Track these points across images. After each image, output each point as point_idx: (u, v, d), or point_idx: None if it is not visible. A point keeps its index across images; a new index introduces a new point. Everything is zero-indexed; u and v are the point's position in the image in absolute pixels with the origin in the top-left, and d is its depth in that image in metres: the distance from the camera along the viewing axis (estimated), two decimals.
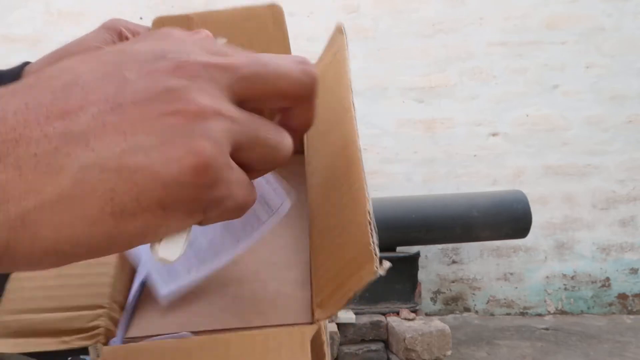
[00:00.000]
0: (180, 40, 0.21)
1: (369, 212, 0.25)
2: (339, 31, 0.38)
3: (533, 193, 2.40)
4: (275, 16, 0.40)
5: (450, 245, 2.55)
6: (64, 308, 0.30)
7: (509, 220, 2.08)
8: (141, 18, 2.61)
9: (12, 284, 0.32)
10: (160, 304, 0.31)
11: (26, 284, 0.31)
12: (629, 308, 2.55)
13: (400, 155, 2.60)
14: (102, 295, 0.31)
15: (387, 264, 0.23)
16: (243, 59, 0.21)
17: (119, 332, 0.30)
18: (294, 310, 0.30)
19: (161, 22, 0.40)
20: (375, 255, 0.24)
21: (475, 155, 2.61)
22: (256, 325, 0.29)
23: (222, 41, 0.27)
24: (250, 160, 0.21)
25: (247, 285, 0.32)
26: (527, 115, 2.62)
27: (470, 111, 2.61)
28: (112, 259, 0.33)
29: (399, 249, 2.09)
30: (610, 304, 2.55)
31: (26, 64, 0.39)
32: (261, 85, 0.21)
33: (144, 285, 0.33)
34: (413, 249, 2.06)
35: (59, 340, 0.29)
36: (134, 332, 0.30)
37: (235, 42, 0.38)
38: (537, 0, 2.62)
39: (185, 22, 0.39)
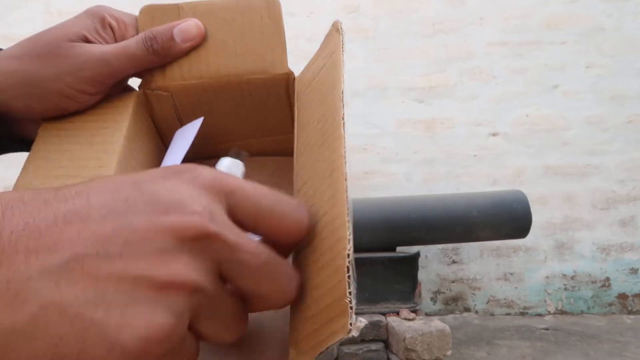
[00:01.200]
0: (201, 194, 0.20)
1: (348, 256, 0.23)
2: (336, 29, 0.36)
3: (533, 193, 2.40)
4: (271, 9, 0.37)
5: (450, 245, 2.55)
6: None
7: (509, 220, 2.08)
8: None
9: None
10: None
11: None
12: (629, 308, 2.55)
13: (400, 155, 2.60)
14: None
15: (361, 324, 0.22)
16: (249, 246, 0.20)
17: None
18: (271, 354, 0.29)
19: (149, 11, 0.37)
20: (351, 309, 0.22)
21: (475, 155, 2.61)
22: None
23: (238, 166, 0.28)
24: (204, 332, 0.21)
25: None
26: (527, 115, 2.62)
27: (470, 111, 2.61)
28: None
29: (399, 249, 2.09)
30: (610, 304, 2.55)
31: None
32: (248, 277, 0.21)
33: None
34: (413, 249, 2.06)
35: None
36: None
37: (227, 35, 0.37)
38: (537, 0, 2.62)
39: (175, 11, 0.37)
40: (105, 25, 0.35)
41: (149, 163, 0.38)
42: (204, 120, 0.38)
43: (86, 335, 0.16)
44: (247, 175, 0.39)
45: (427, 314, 2.14)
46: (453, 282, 2.58)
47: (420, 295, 2.09)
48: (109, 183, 0.19)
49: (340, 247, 0.23)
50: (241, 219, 0.21)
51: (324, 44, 0.37)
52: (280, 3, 0.37)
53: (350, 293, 0.22)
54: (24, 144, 0.38)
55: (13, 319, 0.16)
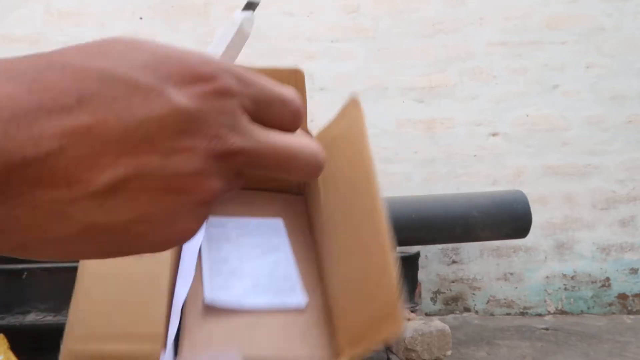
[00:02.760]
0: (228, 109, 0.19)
1: (397, 276, 0.30)
2: (355, 105, 0.44)
3: (533, 193, 2.40)
4: (297, 80, 0.42)
5: (450, 245, 2.55)
6: (126, 335, 0.33)
7: (509, 220, 2.08)
8: (141, 18, 2.61)
9: (73, 310, 0.34)
10: (204, 305, 0.36)
11: (88, 307, 0.34)
12: (629, 308, 2.55)
13: (400, 155, 2.59)
14: (158, 323, 0.34)
15: (408, 321, 0.31)
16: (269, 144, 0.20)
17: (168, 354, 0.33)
18: (319, 346, 0.35)
19: None
20: (402, 317, 0.29)
21: (475, 155, 2.61)
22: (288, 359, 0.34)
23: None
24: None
25: (281, 321, 0.37)
26: (527, 115, 2.62)
27: (470, 111, 2.61)
28: (164, 283, 0.36)
29: (399, 249, 2.09)
30: (610, 304, 2.55)
31: None
32: (271, 169, 0.21)
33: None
34: (413, 249, 2.06)
35: None
36: (185, 351, 0.34)
37: None
38: (537, 0, 2.62)
39: None
40: None
41: None
42: None
43: (133, 245, 0.18)
44: (263, 204, 0.47)
45: (427, 314, 2.14)
46: (453, 282, 2.58)
47: (420, 295, 2.09)
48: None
49: (390, 271, 0.30)
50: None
51: (340, 115, 0.44)
52: (304, 75, 0.42)
53: (401, 298, 0.29)
54: None
55: (59, 232, 0.17)
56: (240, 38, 0.30)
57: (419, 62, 2.62)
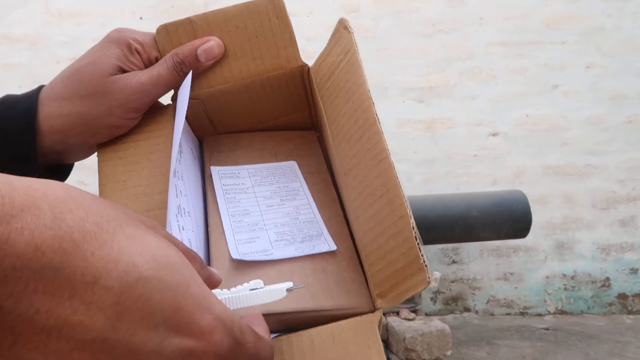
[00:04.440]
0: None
1: (413, 228, 0.30)
2: (344, 27, 0.40)
3: (533, 193, 2.40)
4: (277, 10, 0.41)
5: (450, 245, 2.55)
6: None
7: (509, 220, 2.08)
8: (141, 18, 2.61)
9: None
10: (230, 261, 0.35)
11: None
12: (629, 308, 2.55)
13: (400, 155, 2.59)
14: None
15: (437, 275, 0.29)
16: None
17: None
18: (356, 295, 0.34)
19: (165, 30, 0.41)
20: (426, 266, 0.29)
21: (475, 155, 2.61)
22: (328, 309, 0.33)
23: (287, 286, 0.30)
24: None
25: (313, 268, 0.36)
26: (527, 115, 2.62)
27: (470, 111, 2.61)
28: None
29: None
30: (610, 304, 2.55)
31: (41, 87, 0.39)
32: None
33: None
34: None
35: None
36: None
37: (242, 42, 0.41)
38: (537, 0, 2.62)
39: (189, 26, 0.41)
40: (133, 51, 0.39)
41: None
42: (233, 107, 0.44)
43: None
44: (274, 148, 0.46)
45: (427, 314, 2.14)
46: (453, 282, 2.58)
47: (420, 295, 2.09)
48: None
49: (404, 223, 0.30)
50: None
51: (333, 41, 0.41)
52: (284, 2, 0.41)
53: (422, 255, 0.29)
54: (66, 169, 0.43)
55: None
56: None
57: (419, 62, 2.62)
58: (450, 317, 2.46)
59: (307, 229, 0.38)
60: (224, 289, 0.28)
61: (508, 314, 2.55)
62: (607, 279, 2.57)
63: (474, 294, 2.58)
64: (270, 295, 0.29)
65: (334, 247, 0.37)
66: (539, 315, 2.53)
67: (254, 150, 0.45)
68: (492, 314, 2.54)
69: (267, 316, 0.30)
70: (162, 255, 0.20)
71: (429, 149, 2.60)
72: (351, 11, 2.63)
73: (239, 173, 0.42)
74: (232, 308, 0.27)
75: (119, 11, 2.60)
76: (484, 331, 2.23)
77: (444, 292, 2.58)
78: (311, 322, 0.32)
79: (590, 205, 2.59)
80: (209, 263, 0.35)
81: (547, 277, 2.58)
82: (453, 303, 2.58)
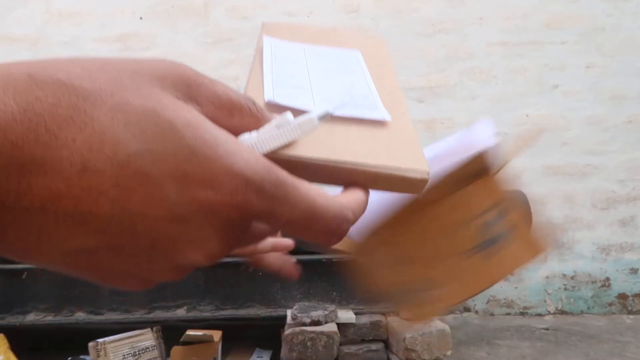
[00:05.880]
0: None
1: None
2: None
3: (533, 193, 2.39)
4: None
5: None
6: None
7: None
8: (141, 18, 2.61)
9: None
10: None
11: None
12: (629, 308, 2.55)
13: None
14: None
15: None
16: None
17: None
18: (410, 161, 0.28)
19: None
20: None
21: None
22: (372, 166, 0.27)
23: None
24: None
25: (359, 130, 0.30)
26: (527, 115, 2.62)
27: (470, 111, 2.61)
28: None
29: None
30: (610, 304, 2.55)
31: None
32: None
33: None
34: None
35: None
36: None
37: None
38: (537, 0, 2.62)
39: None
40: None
41: None
42: None
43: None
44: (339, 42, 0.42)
45: None
46: None
47: None
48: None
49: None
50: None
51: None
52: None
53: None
54: None
55: None
56: (296, 131, 0.24)
57: (419, 62, 2.62)
58: (450, 317, 2.46)
59: (360, 100, 0.33)
60: (253, 132, 0.24)
61: (508, 314, 2.55)
62: (607, 279, 2.57)
63: None
64: (300, 129, 0.24)
65: (388, 117, 0.31)
66: (539, 315, 2.53)
67: (316, 36, 0.40)
68: (492, 314, 2.54)
69: (289, 162, 0.25)
70: (152, 122, 0.18)
71: None
72: (351, 11, 2.63)
73: (294, 47, 0.38)
74: (261, 151, 0.23)
75: (119, 11, 2.60)
76: (484, 331, 2.23)
77: None
78: (347, 178, 0.27)
79: (590, 205, 2.59)
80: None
81: (547, 277, 2.58)
82: None
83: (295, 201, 0.21)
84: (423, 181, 0.27)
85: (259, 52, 0.35)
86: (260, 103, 0.27)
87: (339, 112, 0.28)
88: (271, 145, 0.23)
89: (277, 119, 0.24)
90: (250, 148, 0.21)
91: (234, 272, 1.90)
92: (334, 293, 1.94)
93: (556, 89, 2.62)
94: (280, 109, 0.28)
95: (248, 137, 0.23)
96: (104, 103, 0.18)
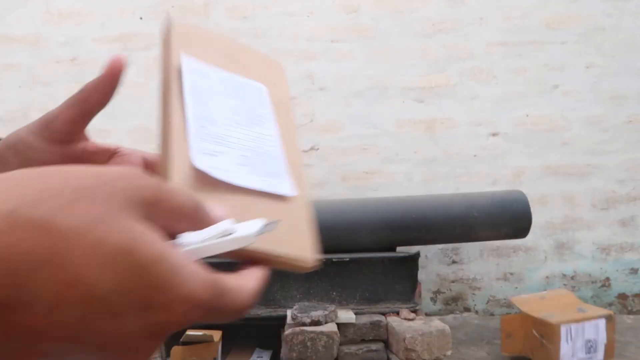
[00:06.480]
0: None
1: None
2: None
3: (533, 193, 2.40)
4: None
5: (450, 245, 2.55)
6: None
7: (509, 220, 2.08)
8: (141, 18, 2.61)
9: None
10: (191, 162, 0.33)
11: None
12: (629, 308, 2.55)
13: (400, 155, 2.59)
14: None
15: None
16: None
17: None
18: (302, 249, 0.35)
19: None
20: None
21: (475, 155, 2.61)
22: (277, 255, 0.32)
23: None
24: None
25: (273, 208, 0.35)
26: (527, 115, 2.62)
27: (470, 111, 2.61)
28: None
29: (399, 249, 2.09)
30: (610, 304, 2.55)
31: None
32: None
33: None
34: (413, 249, 2.06)
35: None
36: None
37: None
38: (537, 0, 2.62)
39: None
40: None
41: None
42: None
43: None
44: (246, 64, 0.44)
45: (427, 314, 2.14)
46: (453, 282, 2.58)
47: (420, 295, 2.09)
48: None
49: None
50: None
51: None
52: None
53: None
54: None
55: None
56: (234, 243, 0.28)
57: (419, 62, 2.62)
58: (450, 317, 2.46)
59: (269, 163, 0.36)
60: (193, 233, 0.26)
61: (508, 314, 2.55)
62: (607, 279, 2.57)
63: (474, 294, 2.58)
64: (238, 244, 0.27)
65: (291, 193, 0.36)
66: None
67: (226, 57, 0.41)
68: (492, 314, 2.54)
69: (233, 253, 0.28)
70: (126, 261, 0.20)
71: (429, 149, 2.60)
72: (351, 11, 2.63)
73: (210, 74, 0.38)
74: (201, 257, 0.26)
75: (119, 11, 2.60)
76: (484, 331, 2.23)
77: (444, 292, 2.58)
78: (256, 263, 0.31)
79: (590, 205, 2.59)
80: (166, 161, 0.32)
81: (547, 277, 2.58)
82: (453, 303, 2.58)
83: (232, 304, 0.25)
84: (310, 267, 0.34)
85: (175, 72, 0.36)
86: (187, 163, 0.32)
87: (251, 185, 0.33)
88: (211, 252, 0.26)
89: (218, 227, 0.27)
90: (197, 268, 0.23)
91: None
92: (334, 293, 1.94)
93: (556, 89, 2.62)
94: (207, 177, 0.32)
95: (190, 240, 0.26)
96: (80, 243, 0.19)
